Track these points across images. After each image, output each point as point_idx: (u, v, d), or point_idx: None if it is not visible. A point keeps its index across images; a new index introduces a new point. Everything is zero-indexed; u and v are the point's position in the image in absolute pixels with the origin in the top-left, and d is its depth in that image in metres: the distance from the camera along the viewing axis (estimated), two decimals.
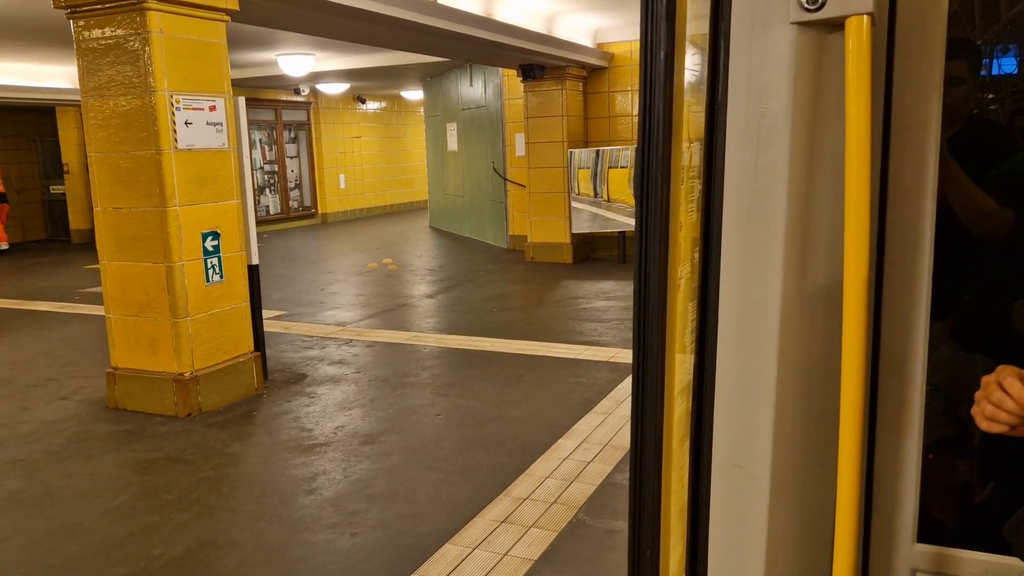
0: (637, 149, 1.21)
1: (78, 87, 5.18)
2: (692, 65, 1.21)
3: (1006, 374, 1.04)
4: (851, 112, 0.99)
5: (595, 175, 10.73)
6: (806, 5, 1.02)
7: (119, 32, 4.91)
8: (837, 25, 1.01)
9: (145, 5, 4.78)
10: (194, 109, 5.11)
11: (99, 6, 4.89)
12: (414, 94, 18.85)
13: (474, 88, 13.41)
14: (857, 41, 0.98)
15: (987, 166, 1.49)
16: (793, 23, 1.03)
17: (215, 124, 5.27)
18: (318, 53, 11.60)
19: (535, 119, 11.00)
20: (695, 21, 1.18)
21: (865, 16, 0.97)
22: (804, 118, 1.06)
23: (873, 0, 0.97)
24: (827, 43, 1.04)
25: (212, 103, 5.23)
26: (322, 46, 10.85)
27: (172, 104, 4.97)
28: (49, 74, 12.16)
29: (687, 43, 1.18)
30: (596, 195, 10.75)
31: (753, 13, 1.05)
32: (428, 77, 15.40)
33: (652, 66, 1.15)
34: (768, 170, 1.08)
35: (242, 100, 5.63)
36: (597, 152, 10.74)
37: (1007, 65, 1.55)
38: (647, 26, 1.15)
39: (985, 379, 1.07)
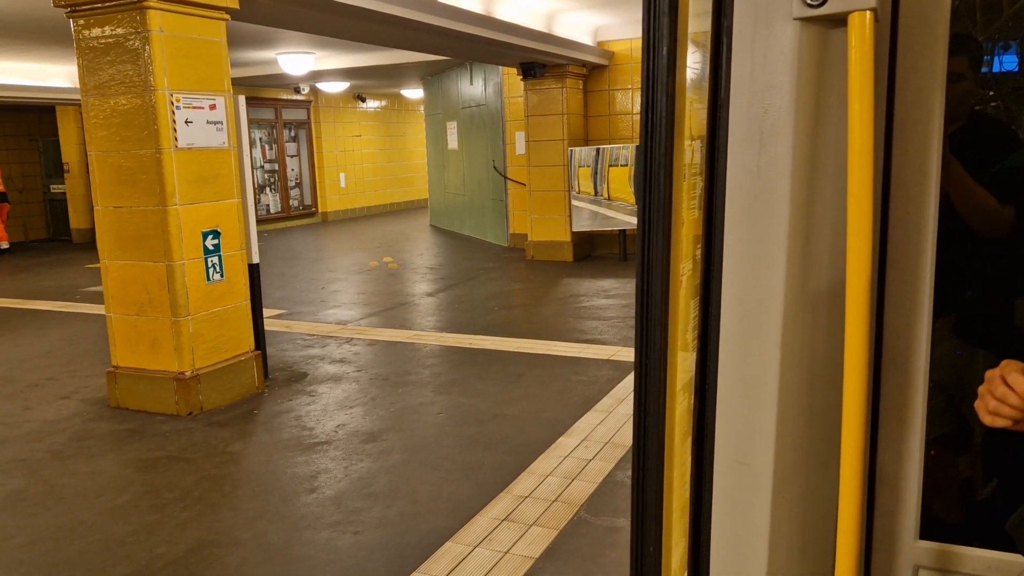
0: (639, 146, 1.21)
1: (78, 86, 5.18)
2: (694, 62, 1.21)
3: (1010, 368, 1.04)
4: (854, 108, 0.99)
5: (595, 173, 10.73)
6: (809, 1, 1.01)
7: (119, 31, 4.91)
8: (840, 21, 1.01)
9: (145, 4, 4.77)
10: (194, 108, 5.11)
11: (99, 5, 4.89)
12: (414, 92, 18.84)
13: (474, 86, 13.40)
14: (860, 37, 0.98)
15: (988, 163, 1.49)
16: (796, 19, 1.03)
17: (215, 123, 5.27)
18: (318, 52, 11.60)
19: (535, 117, 11.00)
20: (697, 19, 1.18)
21: (868, 12, 0.97)
22: (806, 115, 1.06)
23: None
24: (830, 39, 1.04)
25: (212, 102, 5.23)
26: (322, 45, 10.85)
27: (172, 103, 4.97)
28: (50, 73, 12.15)
29: (689, 40, 1.18)
30: (596, 193, 10.74)
31: (756, 9, 1.05)
32: (428, 76, 15.40)
33: (654, 62, 1.15)
34: (770, 167, 1.08)
35: (242, 99, 5.63)
36: (597, 150, 10.74)
37: (1008, 62, 1.55)
38: (649, 22, 1.14)
39: (989, 373, 1.07)
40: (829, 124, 1.07)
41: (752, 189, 1.09)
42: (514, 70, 11.20)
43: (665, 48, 1.13)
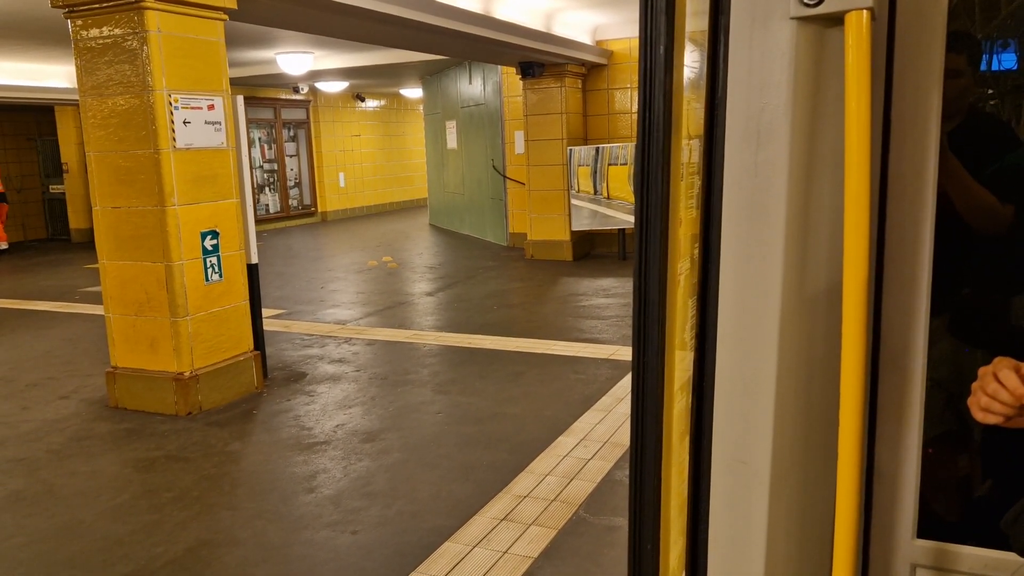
0: (637, 145, 1.20)
1: (76, 86, 5.18)
2: (692, 62, 1.21)
3: (1002, 365, 1.04)
4: (851, 107, 0.99)
5: (595, 172, 10.73)
6: (805, 0, 1.01)
7: (117, 31, 4.91)
8: (837, 20, 1.01)
9: (143, 4, 4.77)
10: (192, 108, 5.11)
11: (96, 5, 4.88)
12: (413, 92, 18.84)
13: (473, 86, 13.40)
14: (857, 36, 0.98)
15: (987, 161, 1.49)
16: (793, 18, 1.03)
17: (213, 123, 5.27)
18: (317, 51, 11.59)
19: (534, 116, 11.00)
20: (694, 17, 1.18)
21: (865, 11, 0.97)
22: (804, 113, 1.06)
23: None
24: (827, 38, 1.04)
25: (210, 102, 5.23)
26: (321, 44, 10.84)
27: (170, 103, 4.96)
28: (48, 73, 12.14)
29: (686, 40, 1.18)
30: (596, 192, 10.74)
31: (753, 8, 1.05)
32: (427, 75, 15.39)
33: (651, 61, 1.15)
34: (768, 165, 1.08)
35: (240, 99, 5.63)
36: (597, 149, 10.74)
37: (1007, 60, 1.55)
38: (646, 21, 1.14)
39: (982, 370, 1.07)
40: (826, 122, 1.07)
41: (749, 188, 1.09)
42: (513, 69, 11.19)
43: (662, 47, 1.13)
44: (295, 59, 11.55)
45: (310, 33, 7.96)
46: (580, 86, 11.20)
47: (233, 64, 11.57)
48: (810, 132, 1.06)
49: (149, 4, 4.79)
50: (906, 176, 1.13)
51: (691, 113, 1.21)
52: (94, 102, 5.08)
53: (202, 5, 5.10)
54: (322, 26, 7.23)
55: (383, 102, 19.79)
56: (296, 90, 16.65)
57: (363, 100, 18.92)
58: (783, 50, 1.04)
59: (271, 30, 8.73)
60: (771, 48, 1.05)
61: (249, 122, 14.44)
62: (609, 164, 10.65)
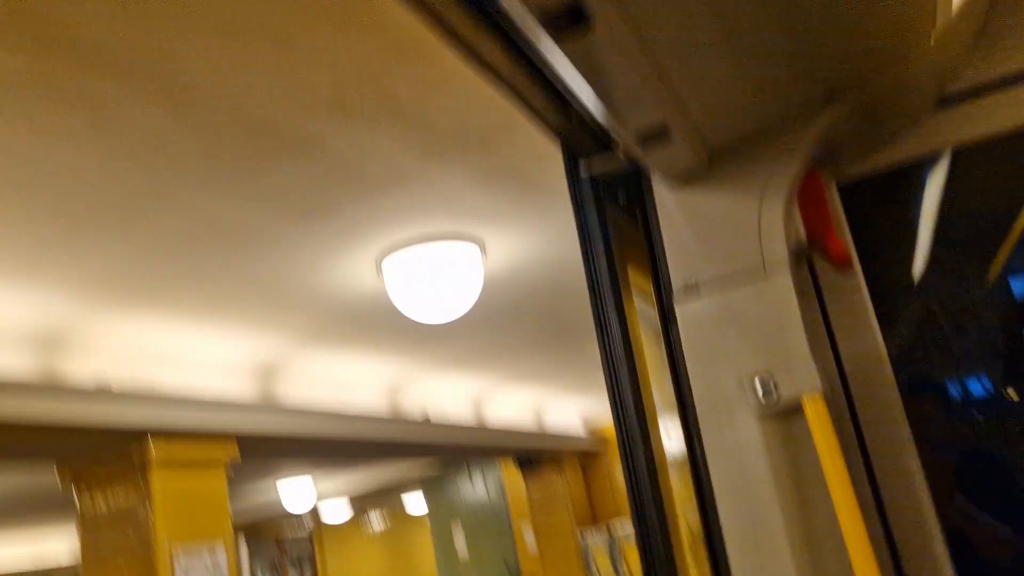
0: (638, 545, 1.20)
1: (76, 566, 5.10)
2: (674, 437, 1.24)
3: None
4: (829, 471, 1.01)
5: (611, 553, 10.43)
6: (763, 403, 1.09)
7: (122, 499, 4.98)
8: (795, 408, 1.08)
9: (148, 471, 4.88)
10: (193, 555, 5.03)
11: (102, 471, 5.01)
12: (416, 503, 18.72)
13: (475, 485, 13.41)
14: (816, 414, 1.03)
15: (994, 491, 1.47)
16: (756, 417, 1.10)
17: (214, 567, 5.15)
18: (318, 479, 11.70)
19: (540, 506, 10.93)
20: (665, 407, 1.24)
21: (817, 394, 1.04)
22: (790, 487, 1.07)
23: (821, 380, 1.05)
24: (792, 420, 1.10)
25: (212, 547, 5.17)
26: (322, 471, 10.99)
27: (172, 555, 4.89)
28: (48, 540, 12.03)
29: (661, 421, 1.23)
30: (617, 572, 10.34)
31: (716, 410, 1.12)
32: (428, 482, 15.43)
33: (630, 437, 1.19)
34: (768, 536, 1.07)
35: (241, 539, 5.56)
36: (610, 536, 10.56)
37: (975, 389, 1.59)
38: (620, 422, 1.20)
39: None
40: (814, 489, 1.08)
41: (755, 554, 1.07)
42: (511, 459, 11.36)
43: (642, 452, 1.17)
44: (298, 494, 11.55)
45: (309, 467, 8.11)
46: (580, 467, 11.30)
47: (233, 498, 11.56)
48: (799, 501, 1.07)
49: (154, 470, 4.90)
50: (909, 527, 1.12)
51: (685, 481, 1.22)
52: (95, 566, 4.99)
53: (207, 462, 5.26)
54: (321, 454, 7.39)
55: (388, 524, 19.51)
56: (298, 519, 16.51)
57: (369, 523, 18.67)
58: (754, 439, 1.09)
59: (271, 469, 8.88)
60: (742, 438, 1.10)
61: (252, 554, 14.12)
62: (624, 545, 10.38)
